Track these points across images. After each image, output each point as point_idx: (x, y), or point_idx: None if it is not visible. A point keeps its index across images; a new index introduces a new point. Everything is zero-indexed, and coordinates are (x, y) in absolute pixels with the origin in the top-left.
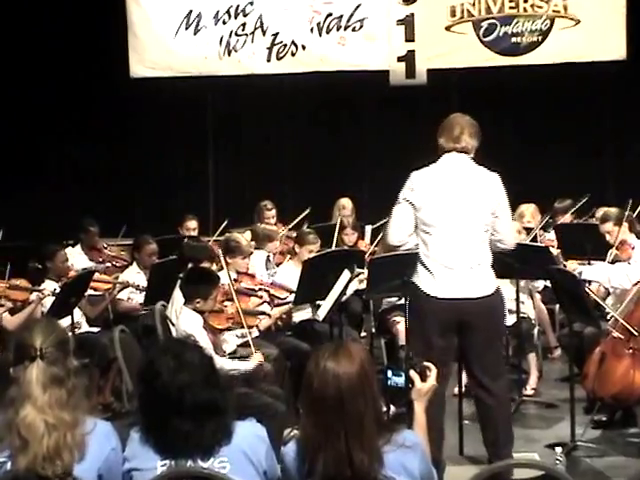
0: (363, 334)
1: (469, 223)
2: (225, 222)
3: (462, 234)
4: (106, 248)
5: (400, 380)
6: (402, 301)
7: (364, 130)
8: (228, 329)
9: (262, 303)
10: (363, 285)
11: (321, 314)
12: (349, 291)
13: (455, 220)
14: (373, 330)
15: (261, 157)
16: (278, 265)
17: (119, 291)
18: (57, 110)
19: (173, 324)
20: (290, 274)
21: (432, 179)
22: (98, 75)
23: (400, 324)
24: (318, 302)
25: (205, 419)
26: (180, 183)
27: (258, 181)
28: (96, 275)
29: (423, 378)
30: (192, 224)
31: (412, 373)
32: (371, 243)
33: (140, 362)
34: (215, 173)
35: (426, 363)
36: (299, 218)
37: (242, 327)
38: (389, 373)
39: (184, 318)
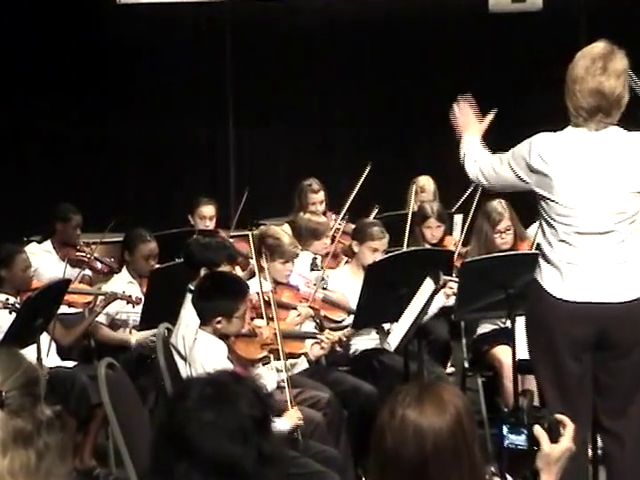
0: (451, 369)
1: (615, 208)
2: (243, 201)
3: (605, 222)
4: (88, 246)
5: (520, 440)
6: (508, 323)
7: (449, 79)
8: (263, 360)
9: (303, 320)
10: (452, 301)
11: (392, 342)
12: (432, 309)
13: (598, 204)
14: (466, 364)
15: (301, 119)
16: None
17: (104, 306)
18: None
19: (182, 356)
20: (346, 285)
21: (569, 149)
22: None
23: (505, 355)
24: (387, 325)
25: None
26: (189, 155)
27: (297, 152)
28: (74, 286)
29: (554, 437)
30: (208, 211)
31: (537, 429)
32: (460, 242)
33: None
34: (237, 141)
35: (558, 415)
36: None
37: (284, 358)
38: (505, 430)
39: (201, 346)
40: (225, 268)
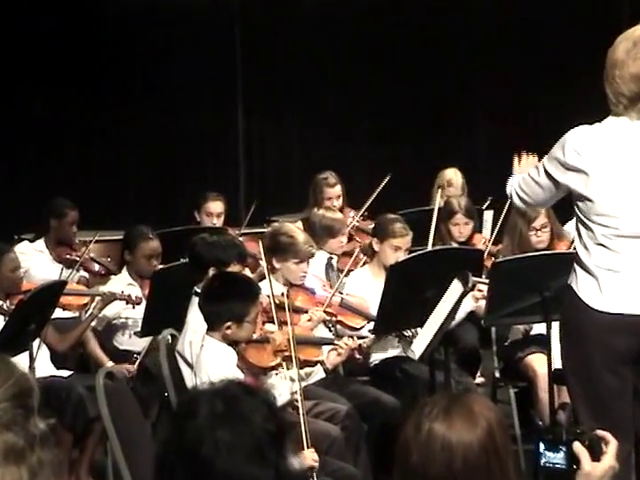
0: (480, 380)
1: None
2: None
3: None
4: (85, 245)
5: (559, 458)
6: (543, 329)
7: (479, 61)
8: (276, 368)
9: (315, 325)
10: (482, 305)
11: (417, 350)
12: (460, 314)
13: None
14: (497, 374)
15: (316, 108)
16: (346, 273)
17: (101, 308)
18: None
19: (190, 365)
20: (366, 287)
21: (607, 141)
22: None
23: (540, 364)
24: (410, 331)
25: None
26: (194, 147)
27: (312, 143)
28: (68, 286)
29: (596, 455)
30: (216, 207)
31: (577, 447)
32: (490, 240)
33: (137, 422)
34: (247, 131)
35: (600, 432)
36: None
37: (297, 365)
38: (541, 447)
39: (208, 354)
40: (235, 268)
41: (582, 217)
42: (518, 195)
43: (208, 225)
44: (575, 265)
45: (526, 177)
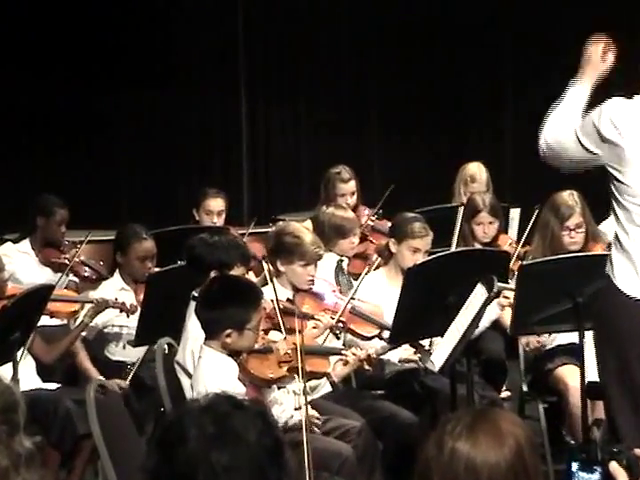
0: (506, 394)
1: None
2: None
3: None
4: (75, 247)
5: (594, 479)
6: (575, 337)
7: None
8: (282, 380)
9: (321, 332)
10: (507, 312)
11: (437, 361)
12: (484, 322)
13: None
14: (524, 388)
15: (327, 95)
16: (356, 277)
17: (92, 316)
18: None
19: (191, 375)
20: (380, 292)
21: None
22: None
23: (572, 376)
24: (428, 341)
25: None
26: (193, 139)
27: (323, 135)
28: (56, 291)
29: (634, 475)
30: (217, 205)
31: (614, 467)
32: (519, 240)
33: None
34: (250, 121)
35: (639, 450)
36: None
37: (304, 377)
38: (574, 467)
39: (206, 366)
40: (238, 271)
41: (619, 197)
42: (547, 139)
43: (208, 224)
44: (613, 250)
45: (562, 126)
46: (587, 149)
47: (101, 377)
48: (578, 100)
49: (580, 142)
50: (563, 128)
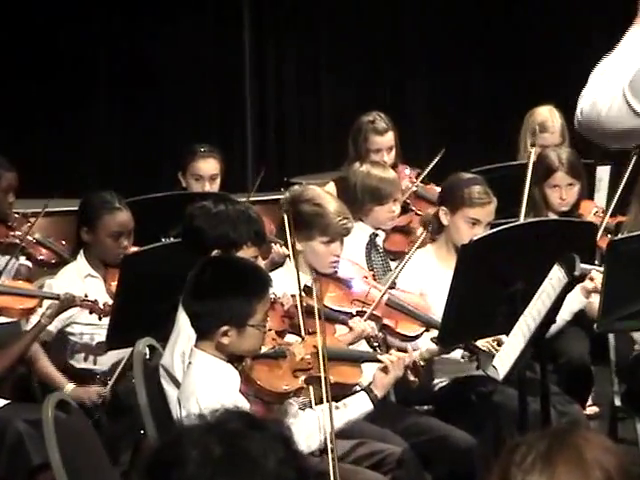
0: (593, 409)
1: None
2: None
3: None
4: (26, 219)
5: None
6: None
7: None
8: (297, 394)
9: (356, 339)
10: (595, 300)
11: (500, 367)
12: (563, 316)
13: None
14: (617, 401)
15: (355, 23)
16: (394, 256)
17: (53, 315)
18: None
19: (179, 384)
20: (427, 277)
21: None
22: None
23: None
24: (486, 341)
25: None
26: (184, 79)
27: (349, 74)
28: (5, 281)
29: None
30: (208, 167)
31: None
32: (609, 208)
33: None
34: (256, 61)
35: None
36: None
37: (327, 391)
38: None
39: (198, 374)
40: (248, 252)
41: None
42: (583, 102)
43: (196, 191)
44: None
45: (609, 86)
46: (635, 111)
47: (72, 384)
48: (633, 49)
49: (629, 104)
50: (606, 86)
